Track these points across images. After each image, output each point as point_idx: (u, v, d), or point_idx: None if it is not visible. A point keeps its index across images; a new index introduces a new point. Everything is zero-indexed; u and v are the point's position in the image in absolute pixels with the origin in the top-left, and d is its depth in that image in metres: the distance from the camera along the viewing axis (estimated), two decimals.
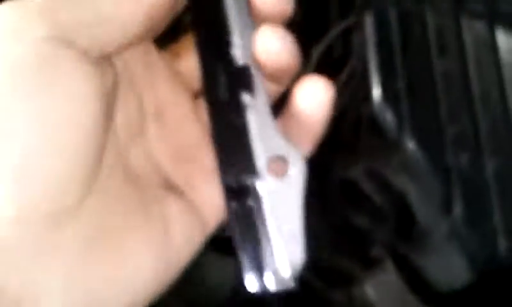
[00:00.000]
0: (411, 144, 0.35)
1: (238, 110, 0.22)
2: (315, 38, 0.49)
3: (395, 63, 0.35)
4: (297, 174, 0.22)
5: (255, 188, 0.22)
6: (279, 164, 0.22)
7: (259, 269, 0.22)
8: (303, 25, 0.49)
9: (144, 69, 0.23)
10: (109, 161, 0.20)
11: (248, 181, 0.22)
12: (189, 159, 0.23)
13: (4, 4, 0.18)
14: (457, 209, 0.34)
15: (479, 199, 0.34)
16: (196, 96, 0.25)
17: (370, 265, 0.41)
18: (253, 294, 0.22)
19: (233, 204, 0.22)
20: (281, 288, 0.22)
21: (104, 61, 0.20)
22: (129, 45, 0.21)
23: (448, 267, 0.35)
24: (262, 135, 0.22)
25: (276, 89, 0.25)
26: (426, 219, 0.35)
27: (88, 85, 0.18)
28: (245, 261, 0.22)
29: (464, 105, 0.35)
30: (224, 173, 0.22)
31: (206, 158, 0.23)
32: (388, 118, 0.35)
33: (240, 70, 0.22)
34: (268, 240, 0.22)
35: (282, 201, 0.22)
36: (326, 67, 0.44)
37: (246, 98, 0.22)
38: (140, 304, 0.20)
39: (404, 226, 0.36)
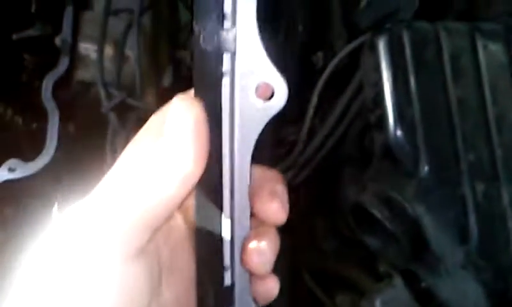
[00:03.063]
0: (426, 173, 0.34)
1: None
2: (318, 43, 0.47)
3: (409, 89, 0.34)
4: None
5: None
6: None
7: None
8: (306, 31, 0.47)
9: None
10: None
11: None
12: None
13: None
14: (473, 239, 0.33)
15: (495, 229, 0.34)
16: None
17: (379, 279, 0.41)
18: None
19: None
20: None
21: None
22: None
23: (462, 292, 0.35)
24: None
25: None
26: (441, 248, 0.34)
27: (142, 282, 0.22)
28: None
29: (481, 132, 0.34)
30: None
31: None
32: (404, 146, 0.34)
33: None
34: None
35: None
36: (331, 78, 0.43)
37: None
38: None
39: (417, 251, 0.36)
